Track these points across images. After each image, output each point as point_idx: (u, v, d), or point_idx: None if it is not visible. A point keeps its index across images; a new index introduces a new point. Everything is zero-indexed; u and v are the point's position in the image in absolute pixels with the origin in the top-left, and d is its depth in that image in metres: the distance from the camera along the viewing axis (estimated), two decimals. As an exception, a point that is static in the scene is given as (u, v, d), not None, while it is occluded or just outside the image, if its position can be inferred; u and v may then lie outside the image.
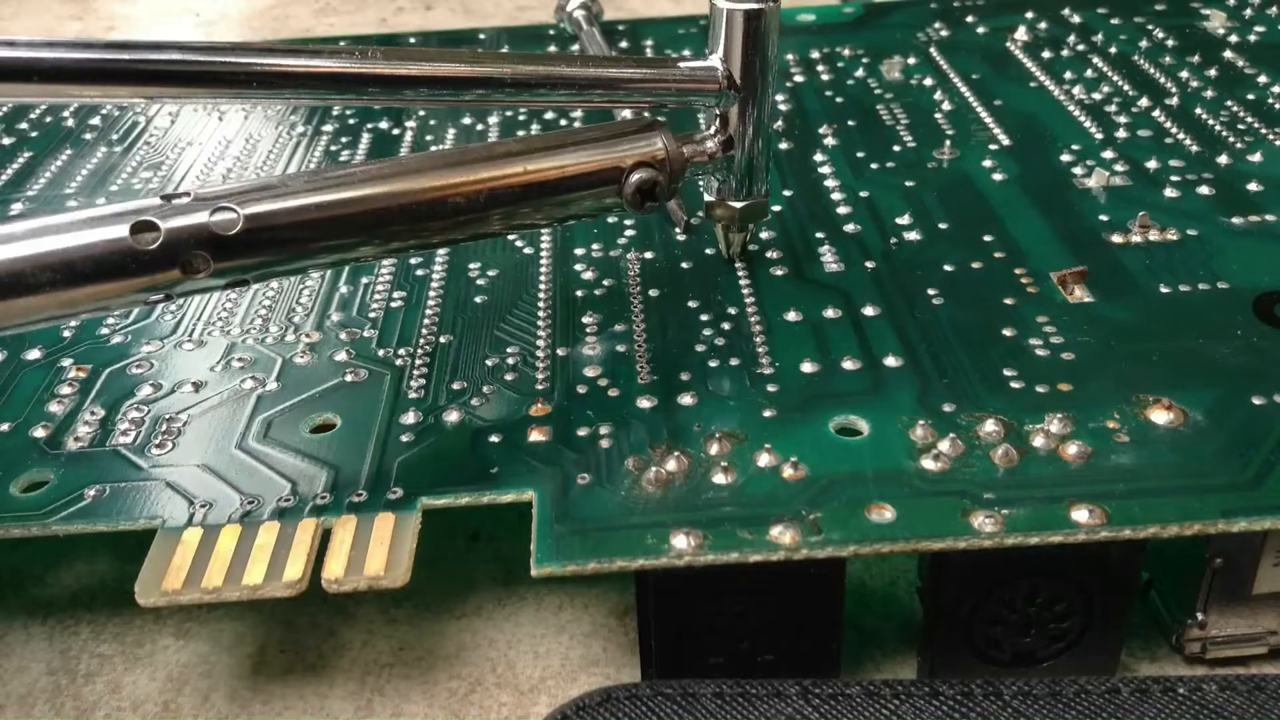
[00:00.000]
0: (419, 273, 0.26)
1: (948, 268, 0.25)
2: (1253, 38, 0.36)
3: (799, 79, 0.35)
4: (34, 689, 0.21)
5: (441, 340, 0.23)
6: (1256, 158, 0.29)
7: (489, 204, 0.20)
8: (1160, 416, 0.20)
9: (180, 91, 0.18)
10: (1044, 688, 0.16)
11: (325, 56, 0.19)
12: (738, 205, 0.24)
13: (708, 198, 0.24)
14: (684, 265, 0.26)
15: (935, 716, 0.16)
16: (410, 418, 0.21)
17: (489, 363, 0.22)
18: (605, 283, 0.25)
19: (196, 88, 0.18)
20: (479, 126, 0.34)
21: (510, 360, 0.23)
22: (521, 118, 0.34)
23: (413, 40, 0.41)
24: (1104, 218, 0.26)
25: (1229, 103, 0.32)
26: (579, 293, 0.25)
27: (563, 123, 0.33)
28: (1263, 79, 0.33)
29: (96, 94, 0.18)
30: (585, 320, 0.24)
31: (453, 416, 0.21)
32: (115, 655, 0.21)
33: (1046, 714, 0.16)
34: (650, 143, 0.22)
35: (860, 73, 0.35)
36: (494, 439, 0.20)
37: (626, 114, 0.27)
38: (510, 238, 0.27)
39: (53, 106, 0.37)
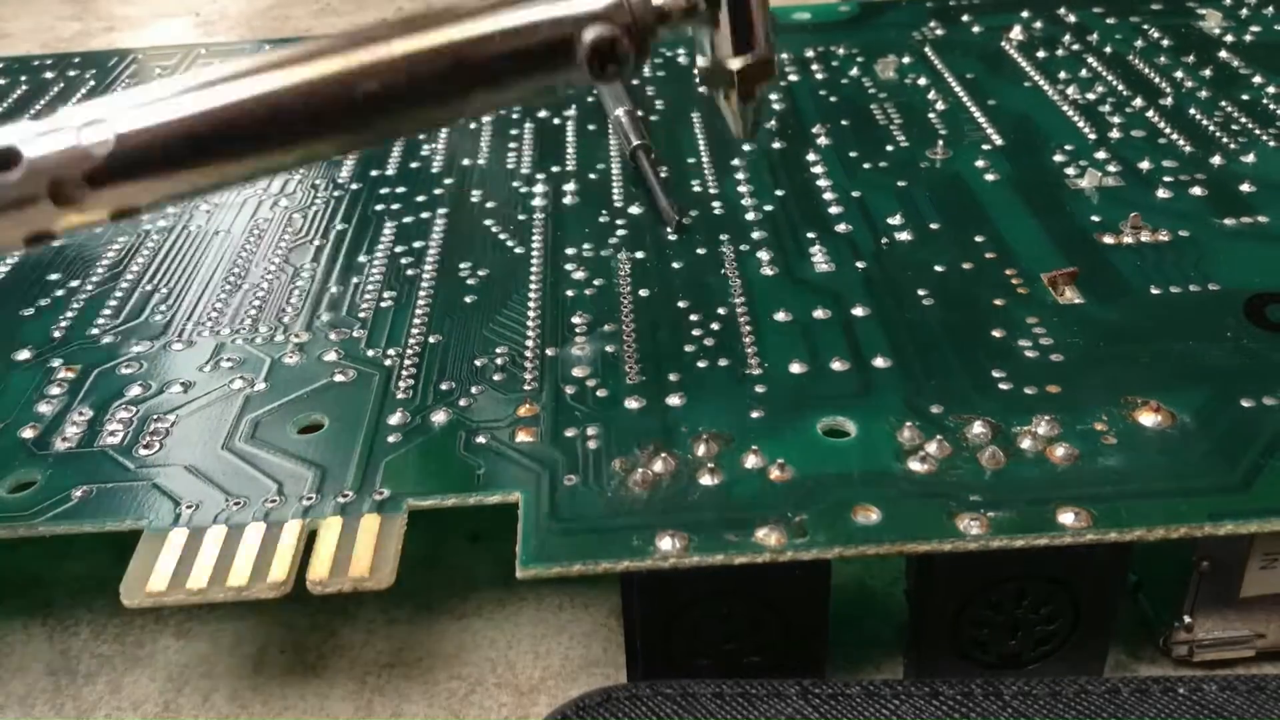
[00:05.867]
0: (409, 272, 0.26)
1: (938, 268, 0.25)
2: (1248, 38, 0.36)
3: (794, 78, 0.35)
4: (34, 689, 0.21)
5: (430, 340, 0.23)
6: (1250, 159, 0.29)
7: (410, 88, 0.16)
8: (1148, 419, 0.20)
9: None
10: (1044, 688, 0.16)
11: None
12: (736, 65, 0.19)
13: (701, 61, 0.20)
14: (675, 265, 0.26)
15: (935, 716, 0.16)
16: (398, 418, 0.21)
17: (477, 363, 0.22)
18: (595, 282, 0.25)
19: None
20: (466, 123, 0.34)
21: (499, 361, 0.22)
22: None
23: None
24: (1096, 218, 0.26)
25: (1223, 103, 0.32)
26: (569, 293, 0.25)
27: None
28: (1258, 79, 0.33)
29: None
30: (575, 320, 0.24)
31: (440, 417, 0.21)
32: (115, 656, 0.21)
33: (1046, 714, 0.16)
34: None
35: (855, 72, 0.35)
36: (481, 440, 0.20)
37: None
38: (501, 237, 0.27)
39: (46, 108, 0.37)
